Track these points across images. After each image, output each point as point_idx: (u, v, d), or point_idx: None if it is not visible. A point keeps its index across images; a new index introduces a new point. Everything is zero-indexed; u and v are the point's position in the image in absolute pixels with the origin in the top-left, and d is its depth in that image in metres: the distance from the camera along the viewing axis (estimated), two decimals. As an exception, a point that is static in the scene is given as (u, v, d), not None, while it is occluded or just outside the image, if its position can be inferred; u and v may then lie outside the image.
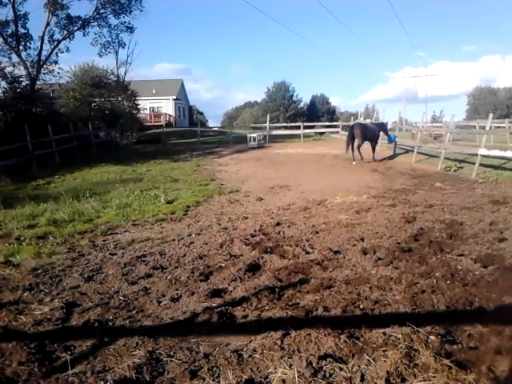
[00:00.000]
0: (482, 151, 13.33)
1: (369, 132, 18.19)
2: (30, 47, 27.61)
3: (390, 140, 20.12)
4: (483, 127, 22.58)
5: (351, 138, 17.86)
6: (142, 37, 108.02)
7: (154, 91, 50.80)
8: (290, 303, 3.99)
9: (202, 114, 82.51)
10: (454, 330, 3.27)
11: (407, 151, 19.47)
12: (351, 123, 22.85)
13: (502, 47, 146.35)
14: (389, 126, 20.05)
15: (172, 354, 3.13)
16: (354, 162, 17.42)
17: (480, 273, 4.55)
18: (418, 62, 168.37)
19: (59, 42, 29.20)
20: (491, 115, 18.27)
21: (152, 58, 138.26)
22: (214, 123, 77.64)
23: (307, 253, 5.64)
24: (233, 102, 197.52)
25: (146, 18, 63.81)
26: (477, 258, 5.00)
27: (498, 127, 28.20)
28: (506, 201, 8.67)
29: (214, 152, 25.21)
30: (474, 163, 13.75)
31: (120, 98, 32.10)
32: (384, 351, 2.94)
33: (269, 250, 5.82)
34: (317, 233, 6.69)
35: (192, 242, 6.48)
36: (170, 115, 51.23)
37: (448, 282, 4.33)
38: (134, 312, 3.99)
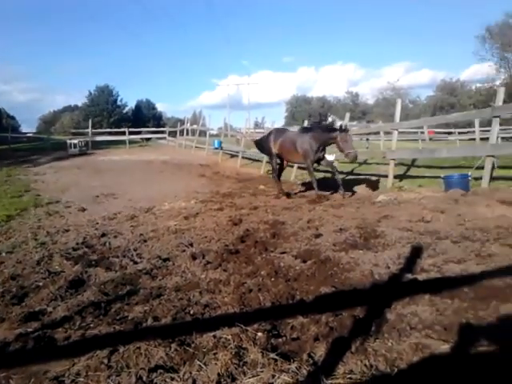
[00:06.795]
0: (298, 155, 14.53)
1: None
2: None
3: (216, 146, 20.77)
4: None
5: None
6: None
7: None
8: (118, 317, 3.76)
9: (13, 118, 74.53)
10: (279, 324, 3.43)
11: (232, 156, 20.29)
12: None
13: (317, 60, 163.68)
14: (214, 132, 20.39)
15: (-28, 396, 2.67)
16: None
17: (300, 268, 4.87)
18: (242, 70, 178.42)
19: None
20: (306, 122, 20.33)
21: None
22: (28, 128, 71.02)
23: (135, 263, 5.43)
24: (51, 105, 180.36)
25: None
26: (297, 255, 5.35)
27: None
28: (320, 200, 9.59)
29: (29, 160, 23.01)
30: (292, 166, 14.95)
31: None
32: (215, 354, 2.94)
33: (93, 263, 5.44)
34: (145, 241, 6.50)
35: (2, 262, 5.70)
36: (-29, 119, 45.22)
37: (273, 279, 4.55)
38: None
